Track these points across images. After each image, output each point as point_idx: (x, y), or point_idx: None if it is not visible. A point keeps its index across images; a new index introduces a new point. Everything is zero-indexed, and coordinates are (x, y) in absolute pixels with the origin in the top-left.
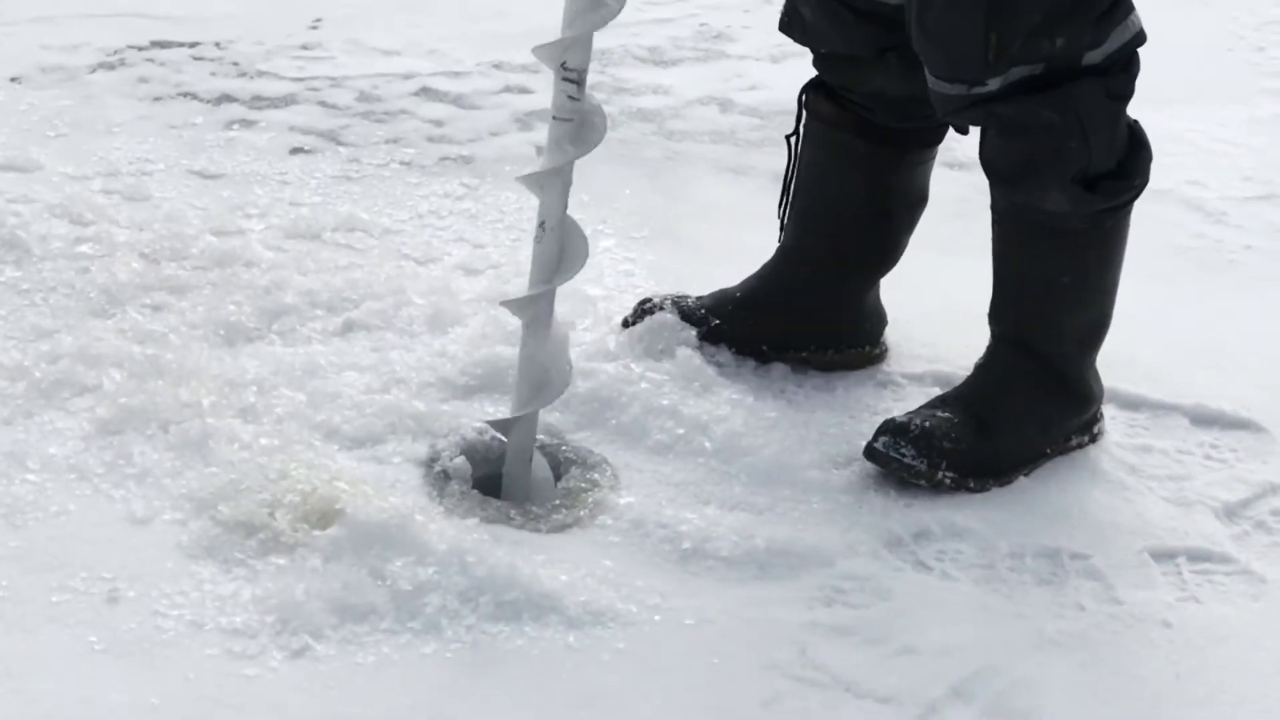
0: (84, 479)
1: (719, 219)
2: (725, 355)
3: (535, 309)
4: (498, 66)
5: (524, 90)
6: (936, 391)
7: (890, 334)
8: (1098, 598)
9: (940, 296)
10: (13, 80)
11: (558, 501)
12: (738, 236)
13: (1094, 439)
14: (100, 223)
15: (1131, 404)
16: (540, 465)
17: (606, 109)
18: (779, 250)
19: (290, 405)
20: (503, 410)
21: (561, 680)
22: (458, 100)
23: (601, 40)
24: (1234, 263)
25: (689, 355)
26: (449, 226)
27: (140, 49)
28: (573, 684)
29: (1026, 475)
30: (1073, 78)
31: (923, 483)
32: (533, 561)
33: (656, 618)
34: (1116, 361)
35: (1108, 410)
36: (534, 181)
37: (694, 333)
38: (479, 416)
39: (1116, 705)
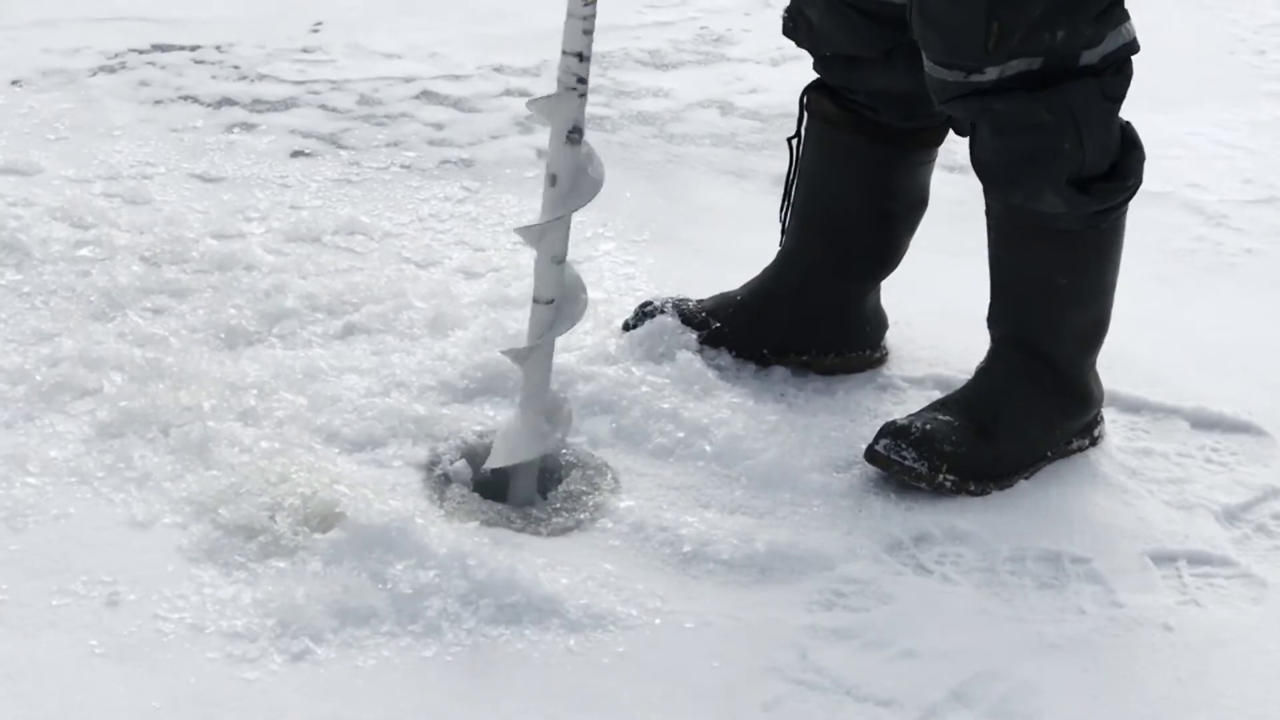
0: (84, 482)
1: (719, 222)
2: (726, 359)
3: (535, 355)
4: (498, 70)
5: (525, 93)
6: (937, 395)
7: (891, 337)
8: (1098, 601)
9: (941, 300)
10: (14, 83)
11: (558, 505)
12: (738, 239)
13: (1094, 441)
14: (101, 226)
15: (1132, 407)
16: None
17: (607, 111)
18: (780, 253)
19: (291, 409)
20: (502, 413)
21: (562, 683)
22: (458, 103)
23: (602, 44)
24: (1234, 266)
25: (689, 359)
26: (449, 230)
27: (141, 52)
28: (573, 687)
29: (1027, 478)
30: (1069, 77)
31: (924, 485)
32: (533, 565)
33: (657, 621)
34: (1117, 364)
35: (1108, 413)
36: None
37: (694, 336)
38: (479, 420)
39: (1117, 709)
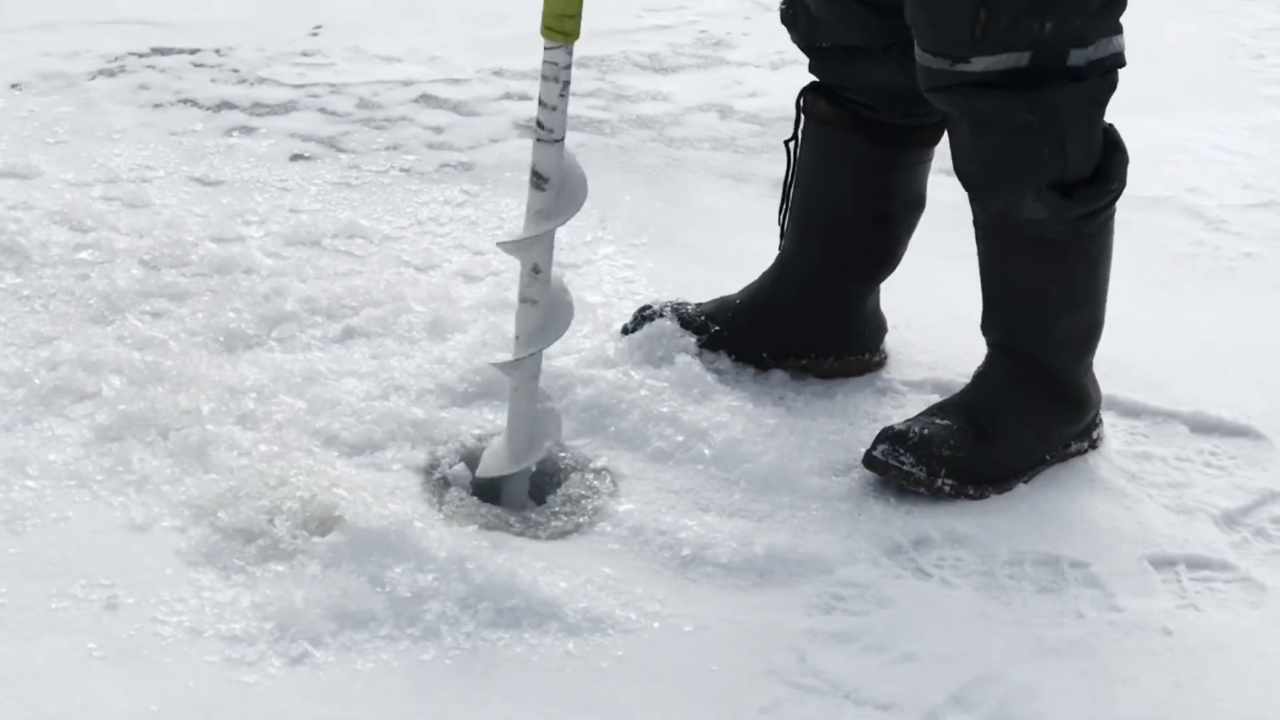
0: (83, 485)
1: (718, 225)
2: (725, 362)
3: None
4: (498, 73)
5: (524, 97)
6: (936, 398)
7: (890, 341)
8: (1097, 605)
9: (940, 304)
10: (13, 87)
11: (557, 508)
12: (737, 243)
13: (1093, 445)
14: (100, 229)
15: (1131, 411)
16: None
17: (606, 115)
18: (779, 257)
19: (290, 412)
20: (500, 417)
21: (561, 686)
22: (458, 107)
23: (602, 47)
24: (1234, 270)
25: (688, 362)
26: (449, 233)
27: (141, 56)
28: (572, 690)
29: (1026, 482)
30: (1055, 80)
31: (922, 490)
32: (532, 568)
33: (656, 625)
34: (1116, 368)
35: (1107, 418)
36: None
37: (693, 340)
38: (478, 423)
39: (1116, 713)
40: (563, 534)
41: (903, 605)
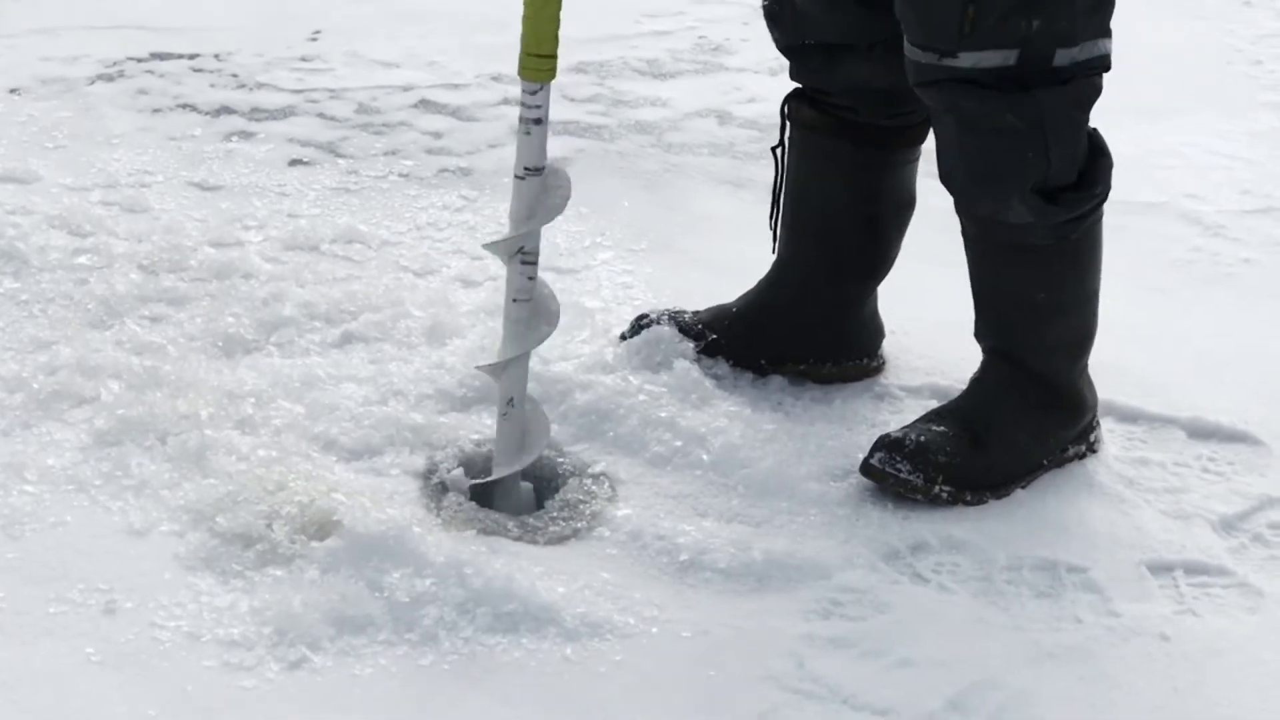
0: (82, 490)
1: (717, 231)
2: (723, 368)
3: (504, 485)
4: (496, 79)
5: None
6: (934, 404)
7: (888, 346)
8: (1095, 610)
9: (938, 309)
10: (12, 92)
11: (555, 513)
12: (735, 248)
13: (1091, 448)
14: (99, 234)
15: (1129, 417)
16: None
17: (605, 120)
18: (775, 263)
19: (288, 417)
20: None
21: (559, 692)
22: (456, 112)
23: (601, 53)
24: (1232, 276)
25: (687, 367)
26: (447, 238)
27: (140, 61)
28: (570, 695)
29: (1023, 488)
30: (1042, 82)
31: (919, 497)
32: (530, 573)
33: (654, 630)
34: (1113, 374)
35: (1105, 423)
36: (497, 369)
37: (692, 345)
38: (477, 428)
39: (1114, 718)
40: (561, 539)
41: (900, 610)
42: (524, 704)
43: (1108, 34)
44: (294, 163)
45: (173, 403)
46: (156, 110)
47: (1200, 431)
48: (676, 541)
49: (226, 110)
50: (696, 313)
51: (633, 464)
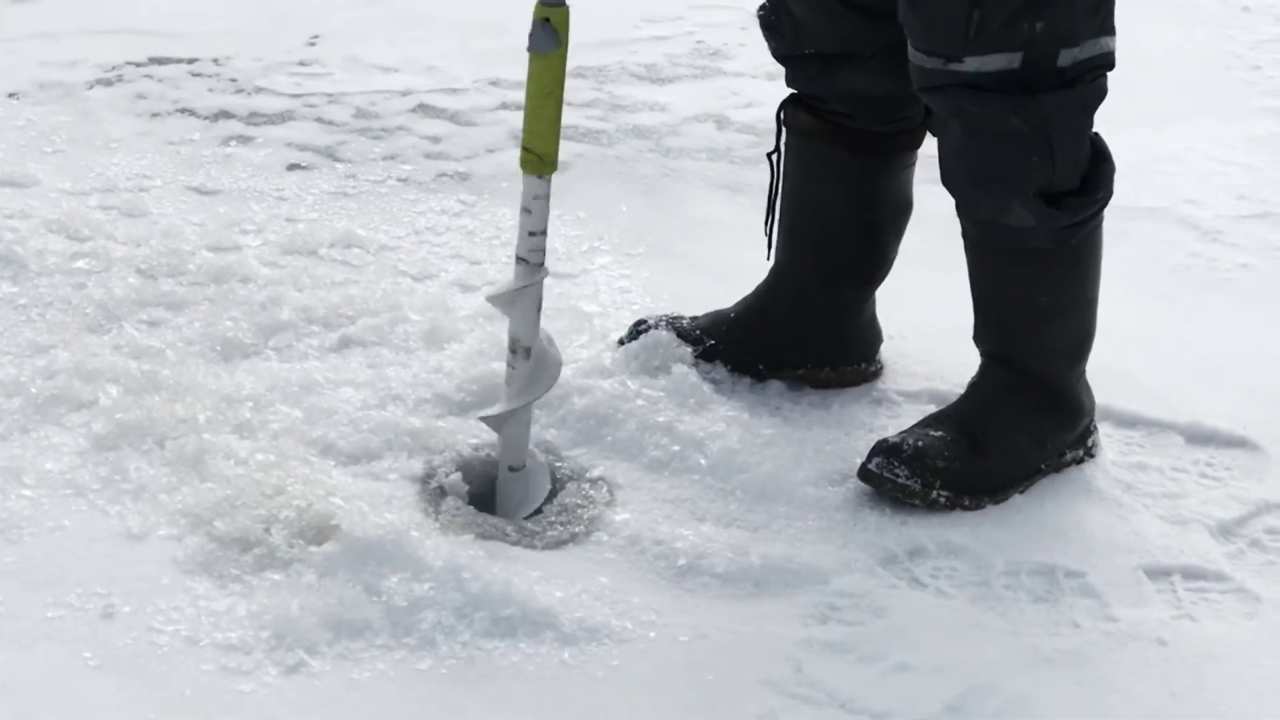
0: (80, 494)
1: (715, 235)
2: (721, 372)
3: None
4: (495, 83)
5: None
6: (932, 409)
7: (886, 351)
8: (1093, 615)
9: (936, 314)
10: (11, 96)
11: (553, 518)
12: (733, 253)
13: (1089, 452)
14: (97, 238)
15: (1127, 422)
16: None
17: (603, 125)
18: (772, 269)
19: (286, 421)
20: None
21: (556, 696)
22: (455, 117)
23: (599, 58)
24: (1230, 281)
25: (685, 372)
26: (446, 243)
27: (138, 65)
28: (568, 700)
29: (1021, 493)
30: (1047, 85)
31: (917, 502)
32: (528, 578)
33: (652, 634)
34: (1112, 379)
35: (1103, 428)
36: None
37: (690, 350)
38: (475, 433)
39: None
40: (559, 543)
41: (898, 615)
42: (522, 708)
43: (1111, 31)
44: (292, 167)
45: (171, 407)
46: (155, 115)
47: (1198, 436)
48: (674, 546)
49: (225, 115)
50: (694, 318)
51: (631, 468)
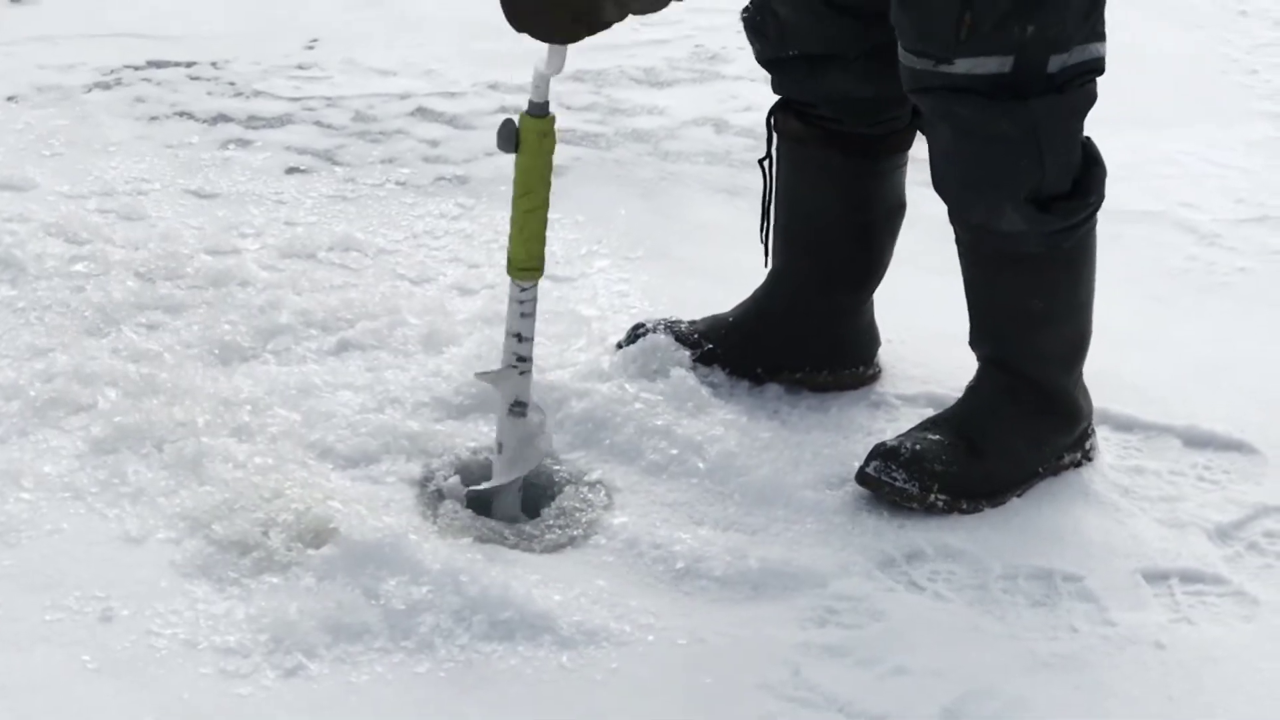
0: (78, 497)
1: (713, 239)
2: (719, 376)
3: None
4: (493, 87)
5: (520, 110)
6: (930, 412)
7: (884, 355)
8: (1090, 619)
9: (934, 317)
10: (9, 99)
11: (551, 521)
12: (732, 257)
13: (1086, 455)
14: (95, 242)
15: (1124, 425)
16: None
17: (602, 129)
18: (769, 273)
19: (284, 424)
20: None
21: (555, 700)
22: (453, 120)
23: (597, 61)
24: (1227, 285)
25: (683, 376)
26: (444, 246)
27: (137, 69)
28: (566, 704)
29: (1019, 496)
30: (1037, 90)
31: (915, 506)
32: (526, 581)
33: (650, 638)
34: (1109, 383)
35: (1101, 431)
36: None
37: (688, 354)
38: (473, 436)
39: None
40: (557, 547)
41: (896, 619)
42: (520, 711)
43: (1101, 38)
44: (291, 170)
45: (169, 410)
46: (153, 118)
47: (1196, 440)
48: (672, 549)
49: (223, 118)
50: (693, 322)
51: (629, 472)
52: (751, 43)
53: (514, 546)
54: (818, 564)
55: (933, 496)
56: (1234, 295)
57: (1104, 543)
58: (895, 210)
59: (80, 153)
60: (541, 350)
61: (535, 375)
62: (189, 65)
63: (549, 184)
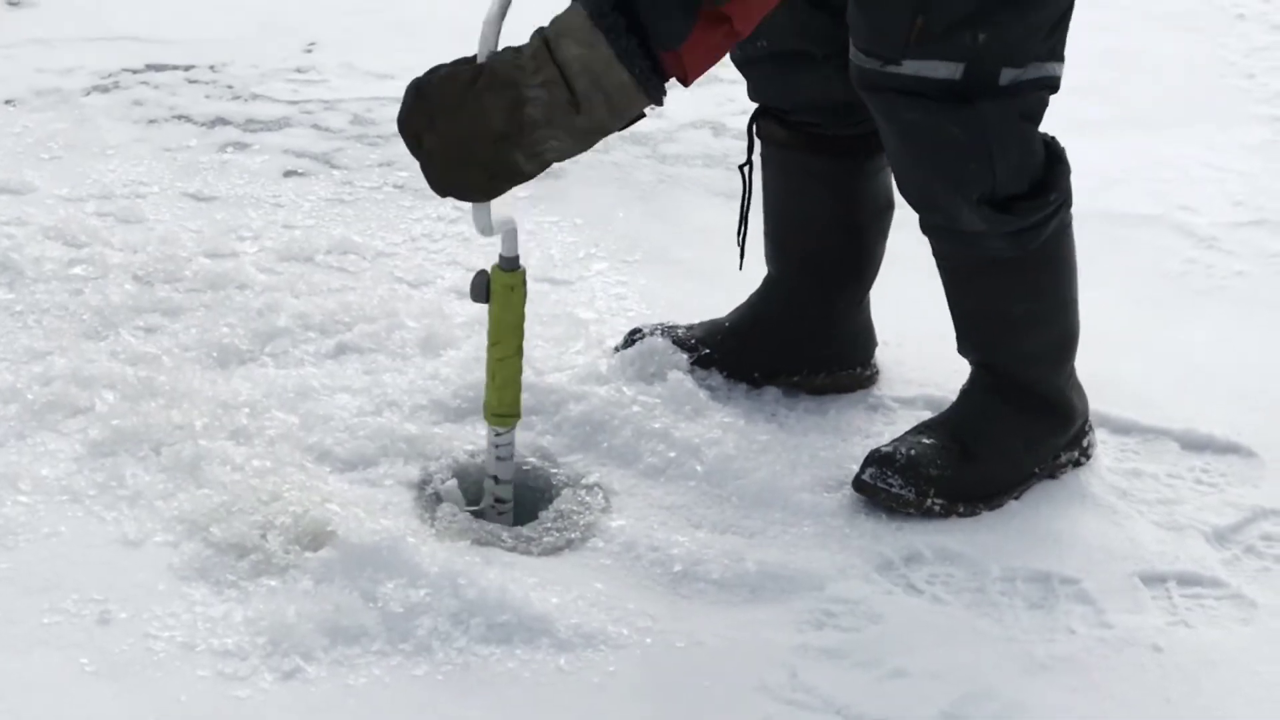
0: (76, 500)
1: (711, 242)
2: (717, 379)
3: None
4: None
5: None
6: (927, 415)
7: (881, 357)
8: (1088, 622)
9: (929, 319)
10: (7, 103)
11: (549, 524)
12: (730, 260)
13: (1085, 453)
14: (94, 245)
15: (1122, 428)
16: None
17: None
18: (765, 279)
19: (282, 427)
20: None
21: (553, 702)
22: None
23: None
24: (1225, 288)
25: (680, 379)
26: (442, 249)
27: (135, 72)
28: (564, 707)
29: (1016, 498)
30: (985, 95)
31: (912, 511)
32: (524, 584)
33: (648, 640)
34: (1107, 386)
35: (1098, 434)
36: None
37: (685, 357)
38: (471, 439)
39: None
40: (555, 550)
41: (894, 621)
42: (518, 714)
43: (1060, 59)
44: (289, 174)
45: (167, 413)
46: (152, 121)
47: (1193, 443)
48: (670, 552)
49: (221, 121)
50: (689, 328)
51: (626, 475)
52: None
53: (511, 549)
54: (815, 567)
55: (929, 501)
56: (1232, 298)
57: (1102, 545)
58: (884, 209)
59: (78, 156)
60: (539, 353)
61: (534, 378)
62: (187, 68)
63: (520, 334)
